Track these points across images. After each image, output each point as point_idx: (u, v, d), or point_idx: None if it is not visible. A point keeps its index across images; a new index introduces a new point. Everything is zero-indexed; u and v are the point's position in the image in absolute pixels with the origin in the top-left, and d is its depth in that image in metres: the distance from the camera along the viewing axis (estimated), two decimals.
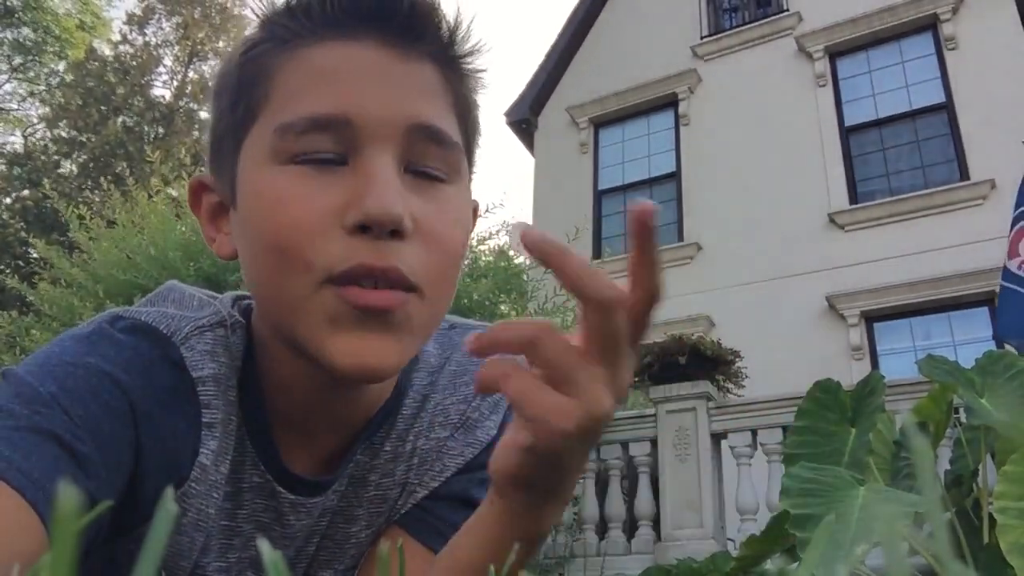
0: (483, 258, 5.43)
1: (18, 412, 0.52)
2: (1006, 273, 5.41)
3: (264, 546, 0.20)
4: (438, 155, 0.60)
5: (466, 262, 5.28)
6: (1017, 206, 5.39)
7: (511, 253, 5.56)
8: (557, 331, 0.46)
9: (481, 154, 0.73)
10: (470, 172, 0.66)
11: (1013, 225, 5.37)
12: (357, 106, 0.57)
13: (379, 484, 0.72)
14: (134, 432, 0.56)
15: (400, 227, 0.56)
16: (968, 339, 7.30)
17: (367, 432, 0.70)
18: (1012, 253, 5.34)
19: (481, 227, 8.86)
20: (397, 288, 0.56)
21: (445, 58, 0.61)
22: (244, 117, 0.60)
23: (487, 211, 5.54)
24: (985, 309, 7.33)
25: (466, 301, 4.83)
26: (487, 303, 4.97)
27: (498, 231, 6.99)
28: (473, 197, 0.69)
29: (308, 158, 0.57)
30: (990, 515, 1.60)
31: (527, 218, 10.60)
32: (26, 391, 0.53)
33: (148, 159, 6.51)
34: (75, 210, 5.36)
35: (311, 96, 0.57)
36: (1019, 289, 5.21)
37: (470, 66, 0.64)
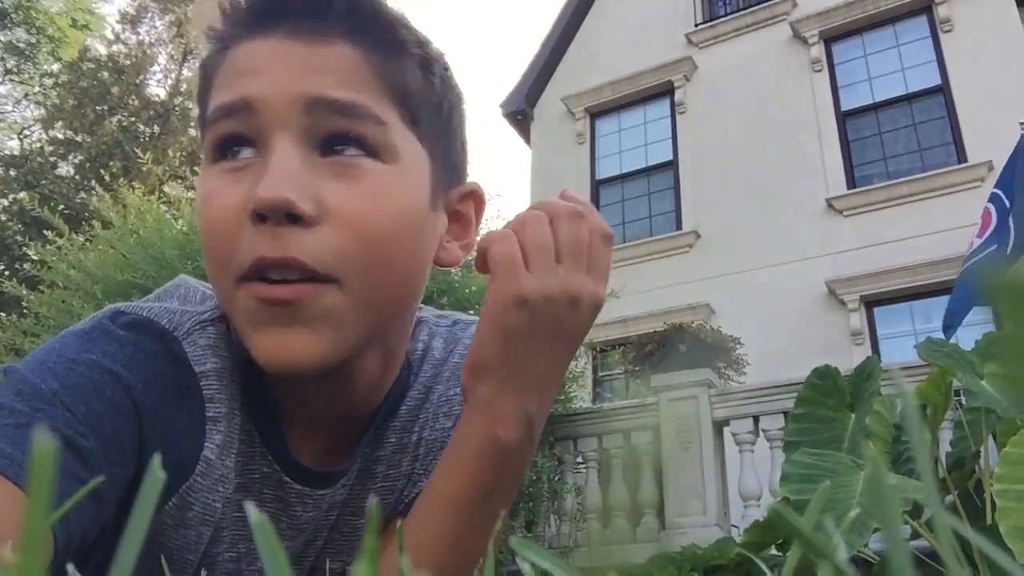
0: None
1: (19, 409, 0.52)
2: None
3: (250, 508, 0.20)
4: (351, 131, 0.58)
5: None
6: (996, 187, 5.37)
7: None
8: (542, 224, 0.59)
9: (469, 141, 0.73)
10: (434, 151, 0.64)
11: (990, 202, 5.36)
12: (256, 90, 0.58)
13: (386, 475, 0.72)
14: (137, 428, 0.56)
15: (292, 211, 0.55)
16: (968, 322, 7.31)
17: (372, 425, 0.70)
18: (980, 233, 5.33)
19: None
20: (309, 278, 0.56)
21: (362, 38, 0.60)
22: (200, 123, 0.64)
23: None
24: None
25: (466, 292, 4.83)
26: (483, 293, 4.97)
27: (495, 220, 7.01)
28: (471, 180, 0.69)
29: (226, 156, 0.59)
30: (993, 496, 1.60)
31: (524, 207, 10.58)
32: (27, 388, 0.53)
33: (140, 160, 6.49)
34: (60, 219, 5.34)
35: (224, 91, 0.60)
36: (983, 253, 5.20)
37: (396, 44, 0.61)
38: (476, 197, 0.70)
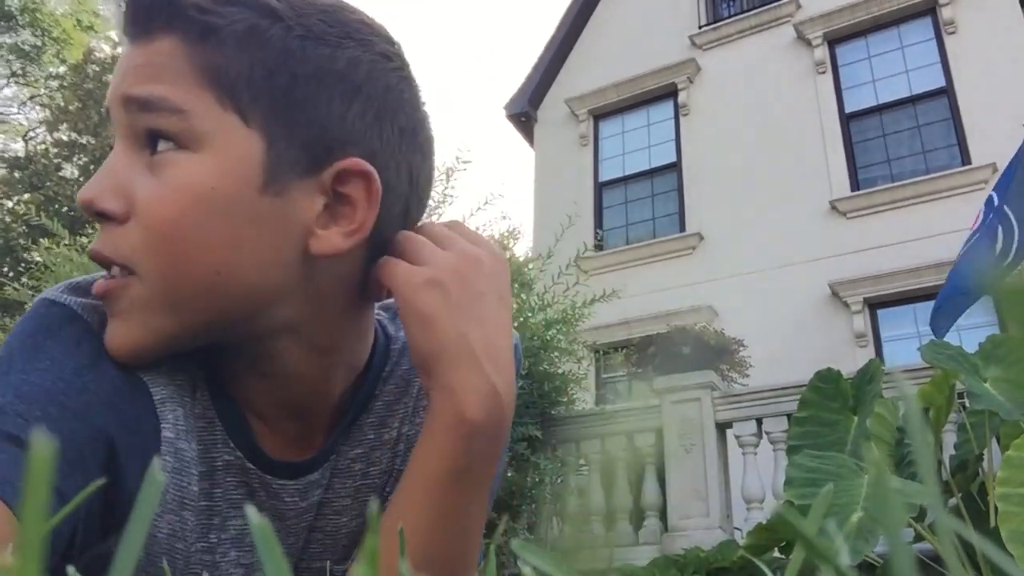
0: None
1: None
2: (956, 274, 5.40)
3: (251, 512, 0.20)
4: (154, 125, 0.59)
5: None
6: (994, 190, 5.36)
7: (510, 244, 5.56)
8: (411, 235, 0.65)
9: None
10: (271, 130, 0.60)
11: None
12: (107, 97, 0.62)
13: (366, 473, 0.72)
14: (98, 425, 0.57)
15: (95, 209, 0.59)
16: (972, 324, 7.29)
17: (342, 420, 0.70)
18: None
19: (480, 220, 8.85)
20: (125, 272, 0.60)
21: (179, 27, 0.59)
22: None
23: (485, 203, 5.46)
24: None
25: None
26: None
27: (496, 223, 7.03)
28: (356, 160, 0.61)
29: None
30: (996, 500, 1.59)
31: (528, 211, 10.60)
32: None
33: None
34: (61, 224, 5.35)
35: None
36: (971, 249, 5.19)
37: (212, 26, 0.59)
38: (361, 175, 0.62)
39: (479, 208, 5.41)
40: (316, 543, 0.72)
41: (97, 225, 0.60)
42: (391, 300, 0.75)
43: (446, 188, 4.87)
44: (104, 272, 0.64)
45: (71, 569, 0.26)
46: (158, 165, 0.59)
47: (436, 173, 4.97)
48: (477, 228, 5.49)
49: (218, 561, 0.67)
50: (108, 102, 0.61)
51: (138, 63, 0.60)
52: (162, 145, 0.59)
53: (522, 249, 8.55)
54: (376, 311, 0.76)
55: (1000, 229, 5.17)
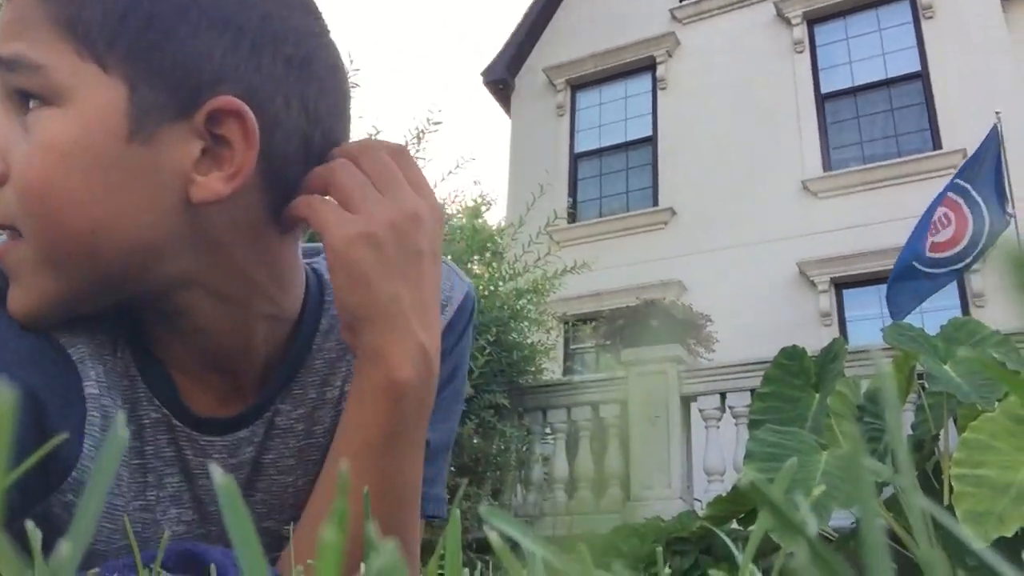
0: (455, 219, 5.40)
1: None
2: (912, 251, 5.47)
3: (214, 469, 0.20)
4: (18, 84, 0.57)
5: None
6: (953, 179, 5.44)
7: (482, 211, 5.54)
8: (348, 167, 0.61)
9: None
10: (135, 75, 0.57)
11: (943, 196, 5.41)
12: None
13: (309, 432, 0.71)
14: (23, 381, 0.56)
15: None
16: (935, 307, 7.42)
17: (276, 377, 0.69)
18: (933, 230, 5.39)
19: (451, 185, 8.78)
20: (14, 234, 0.58)
21: None
22: None
23: (457, 167, 5.41)
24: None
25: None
26: (460, 264, 4.97)
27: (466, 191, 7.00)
28: (227, 98, 0.57)
29: None
30: (951, 480, 1.63)
31: (502, 178, 10.56)
32: None
33: None
34: None
35: None
36: (928, 270, 5.28)
37: None
38: (234, 114, 0.57)
39: (450, 172, 5.36)
40: (261, 503, 0.71)
41: None
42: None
43: (418, 151, 4.80)
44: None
45: (29, 524, 0.26)
46: (30, 124, 0.56)
47: (408, 135, 4.89)
48: (449, 194, 5.46)
49: (158, 519, 0.66)
50: None
51: (5, 20, 0.58)
52: (33, 103, 0.57)
53: (495, 218, 8.53)
54: (311, 258, 0.73)
55: (971, 214, 5.26)
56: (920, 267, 5.69)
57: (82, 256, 0.58)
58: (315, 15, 0.64)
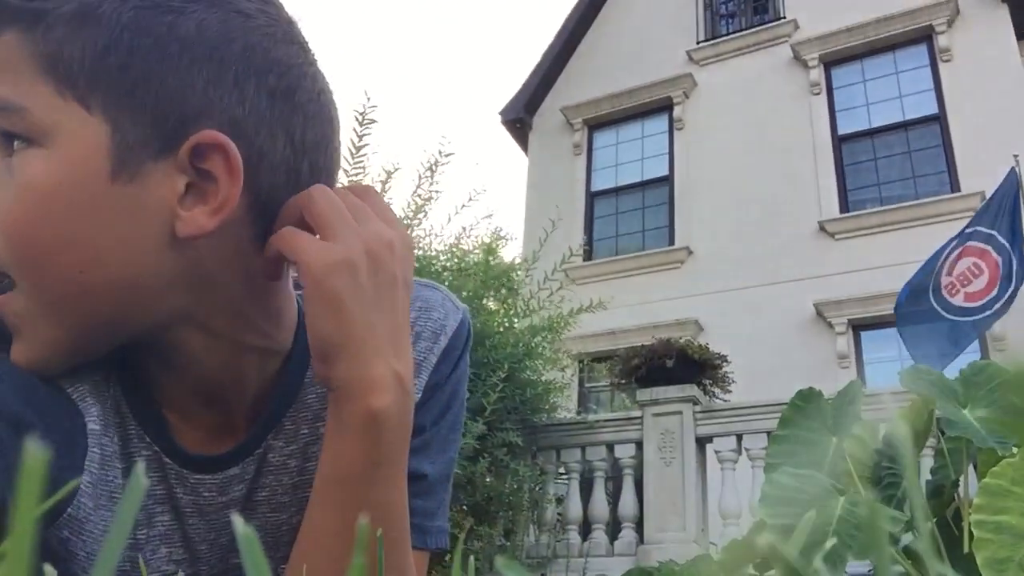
0: (471, 255, 5.41)
1: None
2: (914, 294, 5.42)
3: (237, 521, 0.19)
4: (3, 125, 0.56)
5: (451, 261, 5.29)
6: (972, 225, 5.42)
7: (497, 247, 5.53)
8: (327, 195, 0.60)
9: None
10: (116, 112, 0.56)
11: (958, 242, 5.39)
12: None
13: (302, 469, 0.70)
14: (17, 419, 0.55)
15: None
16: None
17: (267, 414, 0.68)
18: (948, 270, 5.36)
19: (465, 219, 8.82)
20: (6, 284, 0.57)
21: (17, 18, 0.56)
22: None
23: (469, 199, 5.40)
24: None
25: (462, 296, 4.82)
26: (475, 299, 4.96)
27: (479, 224, 7.03)
28: (210, 132, 0.56)
29: None
30: (971, 526, 1.60)
31: (519, 217, 10.61)
32: None
33: None
34: None
35: None
36: (950, 317, 5.24)
37: (42, 11, 0.56)
38: (218, 148, 0.57)
39: (464, 205, 5.37)
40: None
41: None
42: None
43: (432, 184, 4.80)
44: None
45: (47, 568, 0.26)
46: (14, 166, 0.56)
47: (420, 168, 4.91)
48: (463, 228, 5.47)
49: (148, 558, 0.65)
50: None
51: None
52: (18, 145, 0.56)
53: (510, 255, 8.55)
54: (301, 290, 0.73)
55: (1000, 259, 5.24)
56: (954, 317, 5.64)
57: (74, 298, 0.57)
58: (300, 44, 0.63)
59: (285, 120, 0.60)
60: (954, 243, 5.89)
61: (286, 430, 0.69)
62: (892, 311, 7.79)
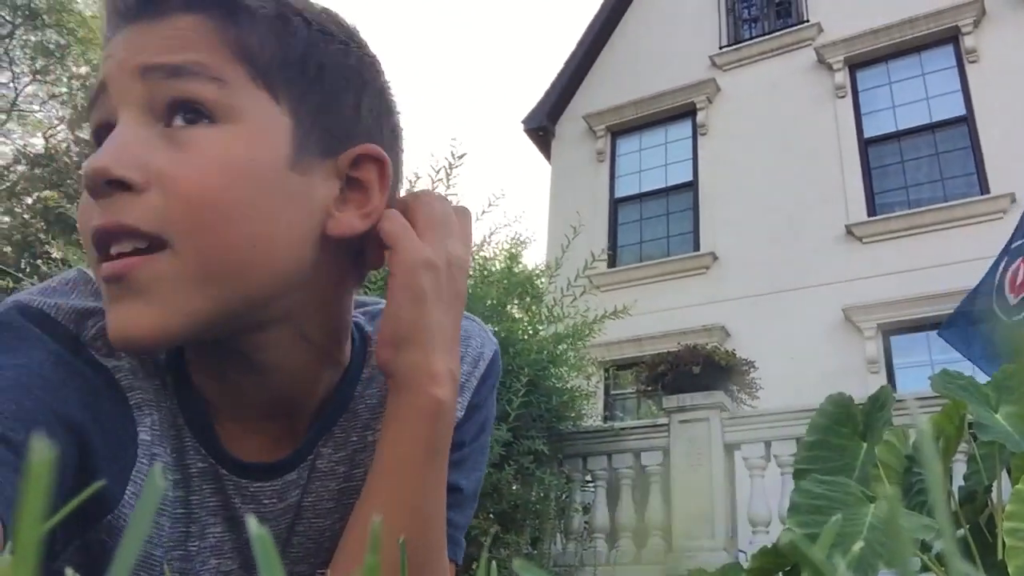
0: (495, 264, 5.42)
1: None
2: (970, 299, 5.32)
3: (251, 521, 0.20)
4: (188, 94, 0.57)
5: (474, 269, 5.31)
6: (1018, 237, 5.32)
7: (518, 253, 5.55)
8: (432, 202, 0.67)
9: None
10: (298, 112, 0.61)
11: (1011, 256, 5.29)
12: (106, 72, 0.60)
13: (349, 476, 0.71)
14: (73, 420, 0.55)
15: (110, 177, 0.55)
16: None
17: (321, 421, 0.69)
18: (1013, 287, 5.27)
19: (486, 225, 8.85)
20: (136, 241, 0.56)
21: (200, 6, 0.59)
22: None
23: (489, 205, 5.46)
24: None
25: (480, 307, 4.82)
26: (499, 307, 4.96)
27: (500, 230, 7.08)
28: (372, 145, 0.65)
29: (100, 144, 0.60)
30: (1003, 534, 1.57)
31: (542, 225, 10.61)
32: None
33: None
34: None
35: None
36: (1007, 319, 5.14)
37: (236, 5, 0.60)
38: (375, 160, 0.65)
39: (484, 212, 5.41)
40: (298, 546, 0.71)
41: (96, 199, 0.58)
42: (367, 299, 0.78)
43: (448, 187, 4.78)
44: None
45: (69, 571, 0.26)
46: (179, 136, 0.57)
47: (432, 170, 4.94)
48: (484, 236, 5.50)
49: (198, 570, 0.66)
50: (108, 75, 0.59)
51: (159, 35, 0.59)
52: (191, 116, 0.58)
53: (533, 262, 8.56)
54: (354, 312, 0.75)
55: None
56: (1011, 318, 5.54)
57: (238, 272, 0.58)
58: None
59: (397, 155, 0.69)
60: (1006, 259, 5.76)
61: (336, 437, 0.71)
62: (922, 315, 7.69)
